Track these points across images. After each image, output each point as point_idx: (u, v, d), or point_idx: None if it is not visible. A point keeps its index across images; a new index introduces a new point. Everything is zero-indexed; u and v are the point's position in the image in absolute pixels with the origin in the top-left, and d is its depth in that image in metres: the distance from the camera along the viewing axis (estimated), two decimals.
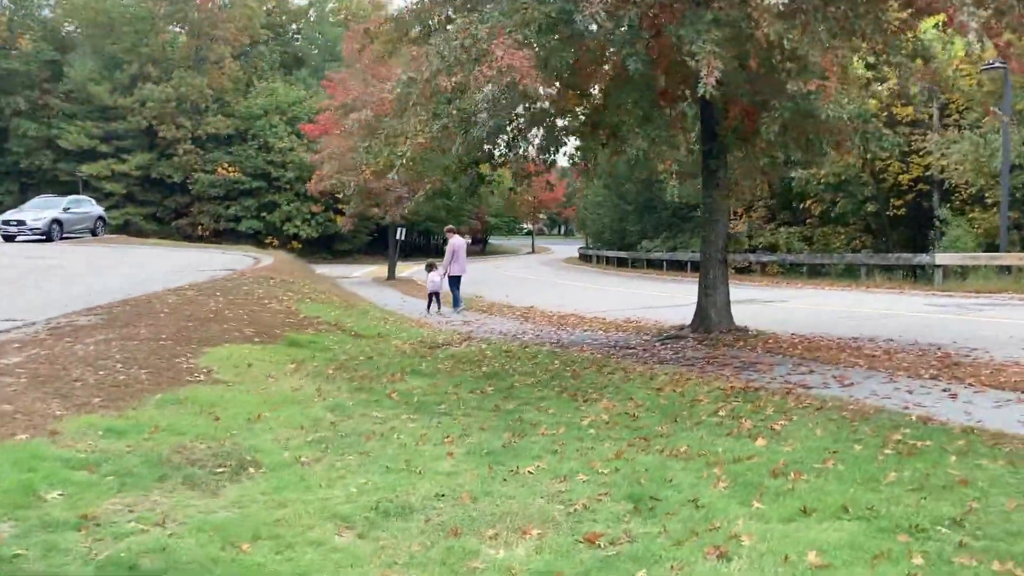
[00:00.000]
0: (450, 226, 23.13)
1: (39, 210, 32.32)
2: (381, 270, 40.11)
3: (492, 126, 9.29)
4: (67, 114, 57.30)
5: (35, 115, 57.30)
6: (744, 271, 31.72)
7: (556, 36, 8.55)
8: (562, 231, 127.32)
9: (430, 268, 20.73)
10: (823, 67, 8.31)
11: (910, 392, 8.02)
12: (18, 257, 22.79)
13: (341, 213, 41.58)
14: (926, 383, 8.48)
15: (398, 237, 36.23)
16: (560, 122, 10.86)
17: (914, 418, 6.75)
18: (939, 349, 11.24)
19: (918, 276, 25.78)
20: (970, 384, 8.32)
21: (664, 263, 37.53)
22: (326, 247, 60.67)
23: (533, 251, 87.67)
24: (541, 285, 30.63)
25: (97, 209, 35.49)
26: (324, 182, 31.79)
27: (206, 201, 59.25)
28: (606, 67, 9.45)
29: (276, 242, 57.94)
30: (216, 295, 14.28)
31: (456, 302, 19.99)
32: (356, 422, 7.35)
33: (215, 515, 4.77)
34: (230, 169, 58.81)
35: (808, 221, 29.97)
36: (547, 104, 10.03)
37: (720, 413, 7.44)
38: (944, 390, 8.07)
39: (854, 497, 4.82)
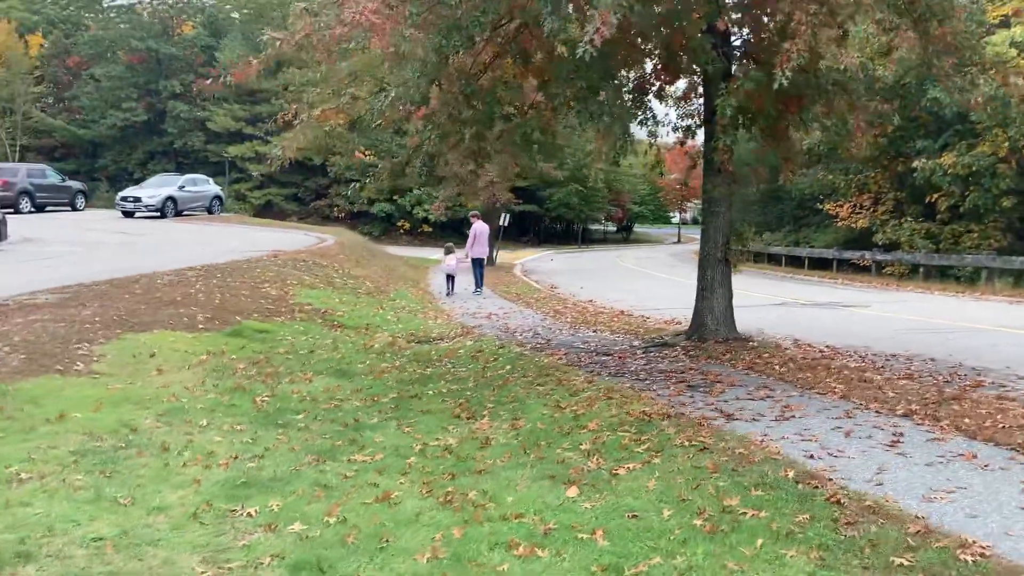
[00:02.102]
0: (474, 211, 23.63)
1: (155, 188, 33.62)
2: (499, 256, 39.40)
3: (396, 94, 8.13)
4: (217, 97, 59.92)
5: (188, 98, 60.31)
6: (863, 271, 28.89)
7: None
8: None
9: (448, 252, 21.12)
10: None
11: (847, 435, 6.34)
12: (106, 232, 23.55)
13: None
14: (886, 422, 6.74)
15: (501, 222, 35.39)
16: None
17: (788, 475, 5.19)
18: (977, 375, 9.28)
19: None
20: (943, 428, 6.52)
21: (783, 258, 34.88)
22: (456, 231, 60.70)
23: (679, 241, 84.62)
24: (637, 277, 28.84)
25: (214, 188, 36.62)
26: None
27: (343, 183, 60.49)
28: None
29: (408, 225, 58.64)
30: (216, 277, 13.90)
31: (477, 283, 20.57)
32: (160, 433, 6.49)
33: None
34: (366, 153, 59.75)
35: (938, 217, 26.74)
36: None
37: (584, 447, 6.10)
38: (896, 434, 6.34)
39: None
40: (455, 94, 8.48)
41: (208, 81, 14.71)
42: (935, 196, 25.80)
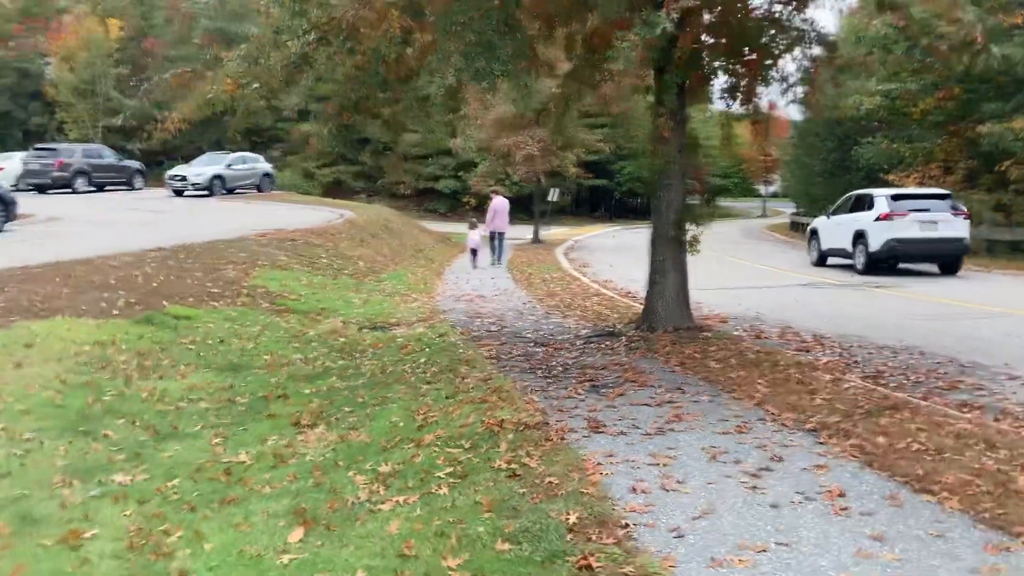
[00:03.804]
0: (495, 187, 25.31)
1: (203, 166, 33.64)
2: (557, 233, 38.52)
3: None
4: None
5: None
6: None
7: None
8: None
9: (472, 227, 21.88)
10: None
11: (713, 457, 5.17)
12: (137, 211, 23.48)
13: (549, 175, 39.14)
14: (779, 440, 5.52)
15: (551, 198, 34.26)
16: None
17: (570, 519, 4.09)
18: (961, 374, 7.94)
19: None
20: (844, 450, 5.28)
21: None
22: (524, 208, 59.69)
23: (764, 215, 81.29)
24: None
25: (263, 166, 36.51)
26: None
27: (409, 160, 60.11)
28: None
29: (473, 201, 57.91)
30: (180, 257, 13.31)
31: (497, 257, 21.63)
32: None
33: None
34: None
35: (1011, 186, 24.33)
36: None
37: (383, 469, 5.13)
38: (776, 457, 5.13)
39: None
40: (337, 51, 7.49)
41: None
42: (1006, 164, 23.45)
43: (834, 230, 20.34)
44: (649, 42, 6.62)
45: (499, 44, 7.24)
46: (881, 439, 5.46)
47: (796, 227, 42.44)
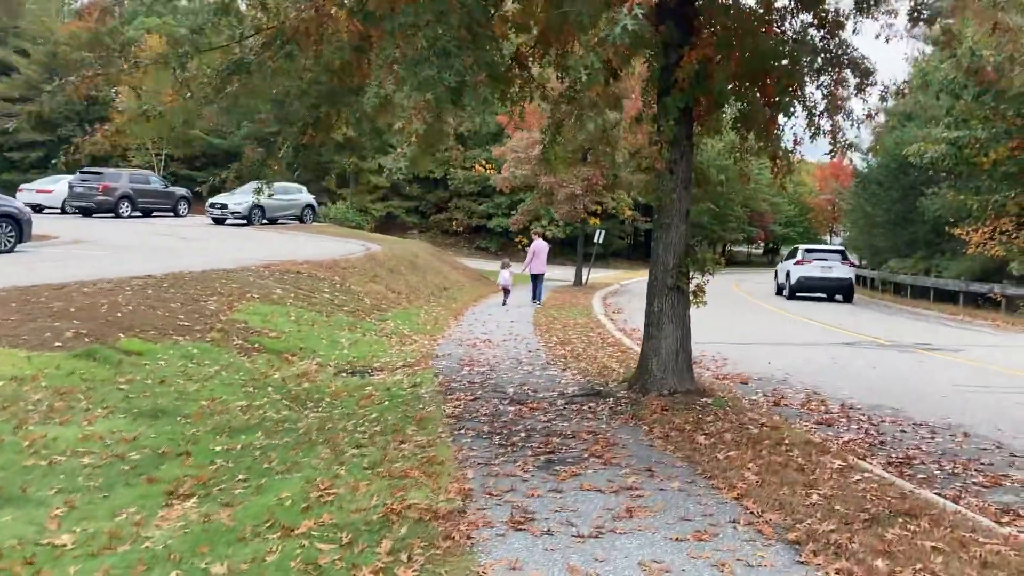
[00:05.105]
0: (536, 229, 25.52)
1: (244, 195, 33.29)
2: (604, 277, 37.27)
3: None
4: None
5: None
6: (996, 306, 24.70)
7: None
8: None
9: (504, 267, 22.04)
10: None
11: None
12: (168, 237, 23.02)
13: (595, 215, 37.93)
14: (741, 556, 4.24)
15: (596, 240, 33.05)
16: None
17: None
18: (1010, 464, 6.51)
19: None
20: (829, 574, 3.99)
21: (908, 289, 30.68)
22: (575, 249, 58.55)
23: None
24: (732, 304, 25.69)
25: (306, 197, 36.10)
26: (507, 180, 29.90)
27: (462, 197, 59.64)
28: None
29: (525, 241, 56.98)
30: (163, 287, 12.46)
31: (535, 297, 21.63)
32: None
33: None
34: (487, 166, 58.63)
35: None
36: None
37: (216, 569, 3.98)
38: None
39: None
40: (272, 56, 6.50)
41: None
42: None
43: (781, 271, 30.23)
44: (619, 48, 5.46)
45: (456, 53, 6.16)
46: (881, 563, 4.13)
47: (858, 280, 40.54)
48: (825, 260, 27.55)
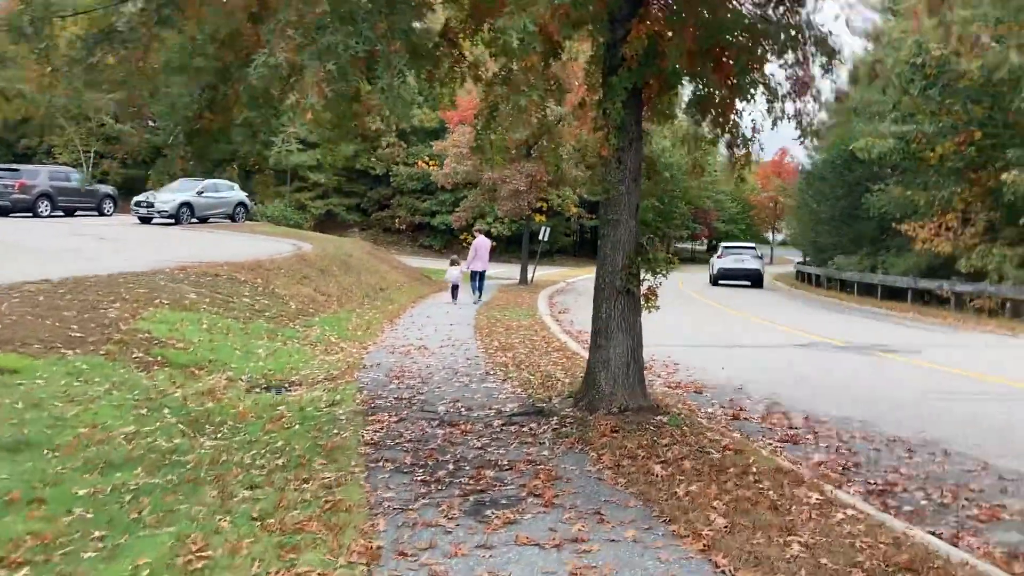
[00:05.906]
0: (478, 227, 26.60)
1: (171, 193, 31.69)
2: (550, 275, 36.44)
3: None
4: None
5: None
6: (944, 303, 24.44)
7: None
8: None
9: (453, 264, 21.85)
10: None
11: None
12: (81, 237, 21.45)
13: (541, 212, 36.90)
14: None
15: (541, 237, 32.16)
16: None
17: None
18: (1003, 491, 5.73)
19: None
20: None
21: (855, 286, 30.42)
22: (520, 246, 57.70)
23: (770, 262, 78.94)
24: (673, 300, 25.11)
25: (238, 195, 34.64)
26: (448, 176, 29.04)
27: (405, 194, 58.41)
28: None
29: (470, 239, 55.96)
30: (56, 293, 11.22)
31: (477, 293, 21.36)
32: None
33: None
34: (431, 163, 57.45)
35: None
36: None
37: None
38: None
39: None
40: (145, 23, 5.43)
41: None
42: None
43: (711, 264, 36.97)
44: (557, 11, 4.52)
45: (366, 17, 5.16)
46: None
47: (802, 277, 40.33)
48: (740, 254, 35.08)
